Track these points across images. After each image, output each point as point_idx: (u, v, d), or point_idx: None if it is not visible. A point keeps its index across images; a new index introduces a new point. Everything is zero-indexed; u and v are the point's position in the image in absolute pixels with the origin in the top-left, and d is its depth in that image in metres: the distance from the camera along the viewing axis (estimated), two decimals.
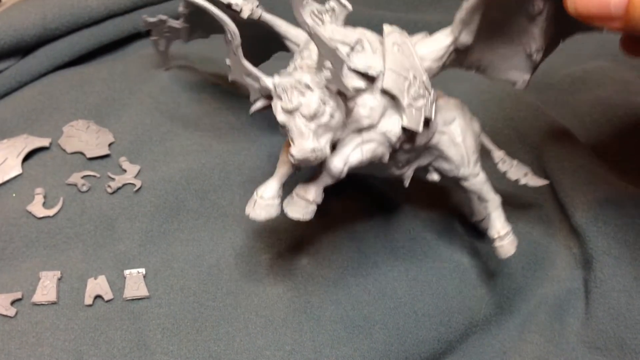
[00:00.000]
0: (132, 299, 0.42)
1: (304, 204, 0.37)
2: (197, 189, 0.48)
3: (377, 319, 0.43)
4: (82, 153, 0.50)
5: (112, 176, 0.49)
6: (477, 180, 0.42)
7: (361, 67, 0.35)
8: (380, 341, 0.42)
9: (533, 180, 0.47)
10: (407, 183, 0.43)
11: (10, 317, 0.40)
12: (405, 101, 0.36)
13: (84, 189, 0.47)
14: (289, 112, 0.34)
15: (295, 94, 0.34)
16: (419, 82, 0.37)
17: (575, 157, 0.52)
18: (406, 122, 0.37)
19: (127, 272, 0.43)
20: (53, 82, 0.58)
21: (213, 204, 0.48)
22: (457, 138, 0.41)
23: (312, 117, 0.33)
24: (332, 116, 0.34)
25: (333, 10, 0.38)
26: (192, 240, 0.45)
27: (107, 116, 0.55)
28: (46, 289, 0.42)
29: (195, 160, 0.51)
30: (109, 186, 0.47)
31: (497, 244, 0.43)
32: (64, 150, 0.51)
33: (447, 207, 0.50)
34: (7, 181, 0.48)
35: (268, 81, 0.35)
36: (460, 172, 0.42)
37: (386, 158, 0.38)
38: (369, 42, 0.37)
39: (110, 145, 0.51)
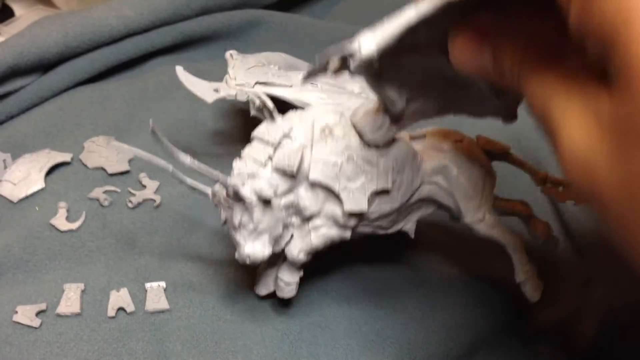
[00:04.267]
0: (153, 312, 0.43)
1: (282, 285, 0.41)
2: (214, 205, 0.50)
3: (389, 334, 0.44)
4: (103, 169, 0.52)
5: (133, 191, 0.50)
6: (483, 226, 0.40)
7: (281, 165, 0.36)
8: (393, 355, 0.43)
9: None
10: (412, 235, 0.42)
11: (35, 327, 0.42)
12: (338, 186, 0.37)
13: (106, 203, 0.49)
14: (224, 223, 0.37)
15: (225, 208, 0.37)
16: (356, 160, 0.37)
17: None
18: (347, 206, 0.37)
19: (148, 285, 0.44)
20: (73, 98, 0.59)
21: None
22: (448, 188, 0.40)
23: (239, 227, 0.36)
24: (259, 221, 0.36)
25: (264, 106, 0.40)
26: (210, 256, 0.47)
27: (126, 132, 0.57)
28: (70, 300, 0.43)
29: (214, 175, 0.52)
30: (130, 201, 0.49)
31: (522, 288, 0.41)
32: (85, 166, 0.52)
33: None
34: (31, 195, 0.50)
35: (207, 190, 0.38)
36: (462, 219, 0.41)
37: (347, 236, 0.39)
38: (302, 131, 0.37)
39: (130, 161, 0.53)
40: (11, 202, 0.49)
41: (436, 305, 0.46)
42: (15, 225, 0.48)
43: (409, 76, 0.33)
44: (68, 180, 0.51)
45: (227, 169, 0.51)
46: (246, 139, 0.56)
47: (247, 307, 0.44)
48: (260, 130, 0.38)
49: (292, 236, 0.39)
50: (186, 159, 0.34)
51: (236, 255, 0.37)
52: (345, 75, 0.44)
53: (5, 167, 0.50)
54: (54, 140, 0.55)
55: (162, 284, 0.44)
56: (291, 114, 0.39)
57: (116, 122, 0.57)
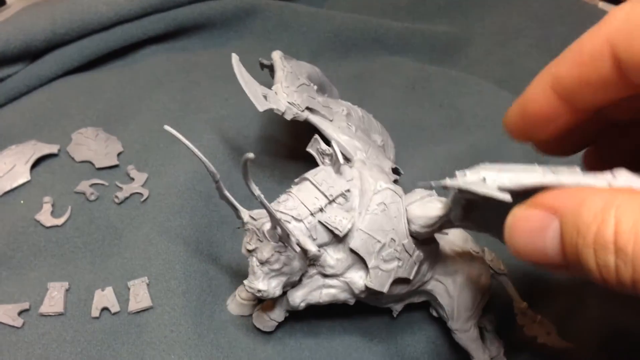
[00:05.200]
0: (137, 311, 0.42)
1: (266, 319, 0.41)
2: (201, 191, 0.49)
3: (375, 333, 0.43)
4: (90, 162, 0.50)
5: (120, 185, 0.49)
6: (465, 336, 0.41)
7: (330, 222, 0.36)
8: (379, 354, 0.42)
9: (556, 342, 0.42)
10: (395, 314, 0.42)
11: (17, 327, 0.40)
12: (371, 263, 0.37)
13: (92, 197, 0.48)
14: (248, 251, 0.36)
15: (255, 239, 0.36)
16: (397, 245, 0.37)
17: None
18: (371, 284, 0.37)
19: (130, 283, 0.43)
20: (62, 87, 0.58)
21: (215, 209, 0.48)
22: (452, 291, 0.40)
23: (264, 263, 0.36)
24: (286, 264, 0.36)
25: (332, 156, 0.39)
26: (193, 242, 0.45)
27: (115, 123, 0.55)
28: (54, 299, 0.42)
29: (201, 163, 0.50)
30: (117, 197, 0.48)
31: None
32: (73, 159, 0.51)
33: None
34: (16, 188, 0.49)
35: (244, 214, 0.37)
36: (449, 322, 0.41)
37: (350, 302, 0.40)
38: (359, 192, 0.37)
39: (119, 154, 0.51)
40: None
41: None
42: None
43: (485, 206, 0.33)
44: (54, 173, 0.50)
45: (217, 157, 0.50)
46: (237, 129, 0.55)
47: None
48: (318, 178, 0.37)
49: (299, 281, 0.38)
50: (255, 190, 0.33)
51: (247, 282, 0.37)
52: (372, 121, 0.47)
53: None
54: (40, 131, 0.53)
55: (145, 279, 0.43)
56: (353, 172, 0.39)
57: (106, 112, 0.56)
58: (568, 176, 0.28)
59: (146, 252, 0.44)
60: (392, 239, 0.37)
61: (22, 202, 0.48)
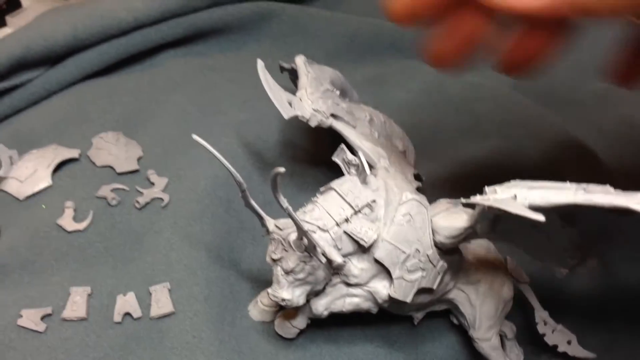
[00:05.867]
0: (159, 317, 0.42)
1: (288, 326, 0.41)
2: (221, 196, 0.49)
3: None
4: (111, 167, 0.51)
5: (141, 190, 0.49)
6: (487, 345, 0.40)
7: (355, 233, 0.36)
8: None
9: (577, 351, 0.42)
10: (416, 322, 0.43)
11: (40, 332, 0.41)
12: (396, 273, 0.37)
13: (114, 202, 0.48)
14: (273, 260, 0.37)
15: (280, 248, 0.36)
16: (422, 256, 0.37)
17: (597, 181, 0.52)
18: (395, 294, 0.37)
19: (152, 288, 0.43)
20: (81, 92, 0.58)
21: (235, 214, 0.48)
22: (474, 300, 0.40)
23: (289, 272, 0.36)
24: (311, 274, 0.36)
25: (358, 166, 0.39)
26: (214, 248, 0.46)
27: (134, 127, 0.55)
28: (76, 304, 0.42)
29: (221, 167, 0.50)
30: (137, 202, 0.48)
31: None
32: (93, 163, 0.51)
33: None
34: (37, 192, 0.49)
35: (269, 224, 0.37)
36: (470, 331, 0.41)
37: (373, 311, 0.40)
38: (384, 202, 0.37)
39: (139, 160, 0.52)
40: (17, 199, 0.48)
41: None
42: (21, 225, 0.47)
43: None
44: (75, 177, 0.50)
45: (239, 164, 0.51)
46: (256, 133, 0.55)
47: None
48: (344, 188, 0.38)
49: (323, 290, 0.39)
50: (284, 202, 0.33)
51: (271, 291, 0.37)
52: (394, 127, 0.47)
53: (12, 164, 0.49)
54: (61, 136, 0.54)
55: (167, 284, 0.43)
56: (378, 182, 0.39)
57: (125, 116, 0.56)
58: (601, 196, 0.28)
59: (167, 257, 0.44)
60: (416, 249, 0.37)
61: (43, 206, 0.48)
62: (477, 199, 0.33)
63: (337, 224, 0.36)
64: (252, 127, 0.55)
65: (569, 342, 0.42)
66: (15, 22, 0.71)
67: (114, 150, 0.52)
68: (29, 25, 0.58)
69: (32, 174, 0.49)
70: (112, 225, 0.47)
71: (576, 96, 0.65)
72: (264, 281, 0.44)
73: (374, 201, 0.37)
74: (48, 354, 0.40)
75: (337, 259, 0.35)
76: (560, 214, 0.32)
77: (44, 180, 0.49)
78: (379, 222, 0.37)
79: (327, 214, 0.37)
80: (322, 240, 0.36)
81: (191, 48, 0.65)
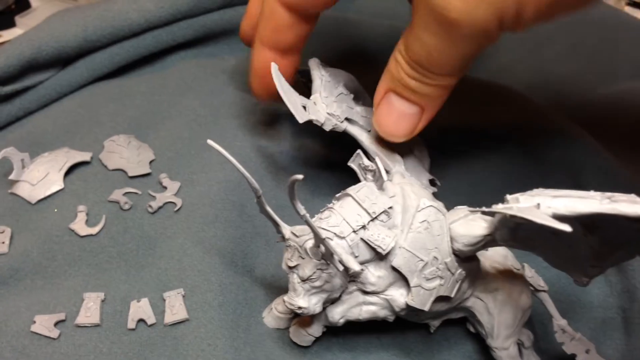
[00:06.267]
0: (173, 324, 0.41)
1: (304, 334, 0.40)
2: (234, 201, 0.48)
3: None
4: (123, 170, 0.50)
5: (153, 194, 0.49)
6: (504, 354, 0.40)
7: (372, 240, 0.36)
8: None
9: None
10: (432, 330, 0.42)
11: (53, 339, 0.40)
12: (413, 281, 0.36)
13: (126, 207, 0.48)
14: (289, 267, 0.36)
15: (296, 255, 0.36)
16: (439, 264, 0.36)
17: (614, 184, 0.52)
18: (412, 302, 0.37)
19: (166, 294, 0.42)
20: (93, 94, 0.58)
21: (249, 219, 0.48)
22: (492, 309, 0.40)
23: (305, 280, 0.35)
24: (327, 282, 0.36)
25: (375, 172, 0.38)
26: (228, 254, 0.45)
27: (146, 130, 0.55)
28: (89, 310, 0.42)
29: (234, 171, 0.49)
30: (150, 206, 0.47)
31: None
32: (105, 166, 0.51)
33: None
34: (49, 196, 0.49)
35: (285, 231, 0.36)
36: (487, 340, 0.40)
37: (390, 319, 0.39)
38: (401, 209, 0.37)
39: (151, 162, 0.51)
40: (29, 203, 0.48)
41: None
42: (33, 229, 0.46)
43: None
44: (87, 181, 0.50)
45: (249, 166, 0.50)
46: (268, 137, 0.55)
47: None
48: (360, 194, 0.37)
49: (339, 298, 0.38)
50: (301, 210, 0.33)
51: (287, 298, 0.37)
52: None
53: (24, 167, 0.49)
54: (72, 138, 0.53)
55: (181, 291, 0.43)
56: (395, 188, 0.38)
57: (136, 119, 0.56)
58: (627, 205, 0.28)
59: (181, 262, 0.44)
60: (434, 257, 0.36)
61: (55, 210, 0.48)
62: (499, 207, 0.32)
63: (354, 231, 0.36)
64: (265, 130, 0.55)
65: (587, 351, 0.41)
66: (24, 22, 0.71)
67: (125, 154, 0.51)
68: (39, 27, 0.57)
69: (43, 177, 0.49)
70: (124, 229, 0.46)
71: (588, 99, 0.65)
72: (278, 287, 0.44)
73: (390, 208, 0.37)
74: None
75: (355, 267, 0.35)
76: (582, 222, 0.31)
77: (55, 183, 0.49)
78: (396, 229, 0.37)
79: (343, 220, 0.36)
80: (339, 248, 0.35)
81: (202, 49, 0.65)
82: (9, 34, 0.71)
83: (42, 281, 0.44)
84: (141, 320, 0.42)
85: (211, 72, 0.62)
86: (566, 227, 0.28)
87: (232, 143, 0.53)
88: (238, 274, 0.44)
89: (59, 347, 0.40)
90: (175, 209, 0.48)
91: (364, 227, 0.36)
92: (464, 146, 0.58)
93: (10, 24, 0.71)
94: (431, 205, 0.37)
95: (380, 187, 0.37)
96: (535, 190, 0.32)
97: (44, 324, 0.41)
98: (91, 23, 0.57)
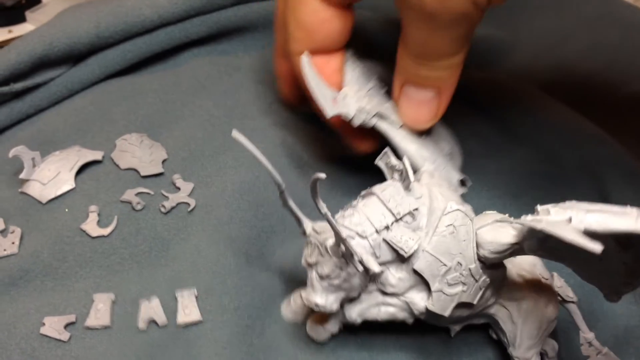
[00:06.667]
0: (185, 325, 0.40)
1: (321, 331, 0.40)
2: (249, 201, 0.47)
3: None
4: (135, 170, 0.49)
5: (166, 194, 0.48)
6: None
7: (395, 242, 0.35)
8: None
9: None
10: (452, 334, 0.41)
11: (64, 341, 0.39)
12: (435, 286, 0.35)
13: (139, 207, 0.47)
14: (308, 264, 0.35)
15: (316, 252, 0.35)
16: (463, 269, 0.35)
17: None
18: (432, 307, 0.36)
19: (178, 293, 0.41)
20: (104, 91, 0.57)
21: (265, 218, 0.47)
22: (516, 318, 0.38)
23: (324, 278, 0.35)
24: (346, 280, 0.35)
25: (402, 172, 0.37)
26: (243, 255, 0.44)
27: (159, 128, 0.54)
28: (100, 312, 0.41)
29: (248, 173, 0.49)
30: (163, 206, 0.46)
31: None
32: (117, 166, 0.50)
33: None
34: (60, 195, 0.48)
35: (307, 226, 0.35)
36: (509, 349, 0.39)
37: (409, 322, 0.38)
38: (427, 211, 0.36)
39: (163, 162, 0.50)
40: (40, 202, 0.47)
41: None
42: (44, 229, 0.45)
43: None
44: (99, 180, 0.49)
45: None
46: (281, 138, 0.53)
47: (280, 315, 0.42)
48: (386, 194, 0.36)
49: (358, 297, 0.37)
50: (323, 208, 0.32)
51: (304, 295, 0.36)
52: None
53: (34, 166, 0.48)
54: (84, 137, 0.53)
55: (194, 290, 0.42)
56: (422, 189, 0.37)
57: (149, 118, 0.55)
58: None
59: (195, 264, 0.43)
60: (458, 262, 0.35)
61: (66, 210, 0.47)
62: (528, 219, 0.31)
63: (377, 231, 0.35)
64: (280, 131, 0.54)
65: None
66: (35, 17, 0.70)
67: (137, 153, 0.50)
68: (51, 22, 0.56)
69: (54, 176, 0.48)
70: (137, 230, 0.45)
71: (613, 99, 0.63)
72: (293, 288, 0.43)
73: (416, 209, 0.35)
74: None
75: (375, 268, 0.34)
76: (616, 238, 0.30)
77: (67, 183, 0.48)
78: (420, 232, 0.35)
79: (367, 220, 0.35)
80: (360, 248, 0.34)
81: (215, 47, 0.64)
82: (19, 30, 0.70)
83: (52, 282, 0.43)
84: (152, 321, 0.41)
85: (224, 70, 0.61)
86: (597, 247, 0.26)
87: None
88: (253, 275, 0.43)
89: (69, 350, 0.39)
90: (189, 209, 0.47)
91: (387, 227, 0.35)
92: (479, 146, 0.57)
93: (21, 19, 0.70)
94: (458, 209, 0.36)
95: (407, 188, 0.36)
96: (568, 203, 0.30)
97: (53, 326, 0.40)
98: (103, 19, 0.56)
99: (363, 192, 0.37)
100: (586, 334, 0.40)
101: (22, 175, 0.47)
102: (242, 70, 0.61)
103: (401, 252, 0.35)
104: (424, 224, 0.36)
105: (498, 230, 0.35)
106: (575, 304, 0.41)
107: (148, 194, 0.48)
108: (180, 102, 0.57)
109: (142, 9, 0.58)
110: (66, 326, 0.40)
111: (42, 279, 0.43)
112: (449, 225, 0.35)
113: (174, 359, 0.39)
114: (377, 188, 0.36)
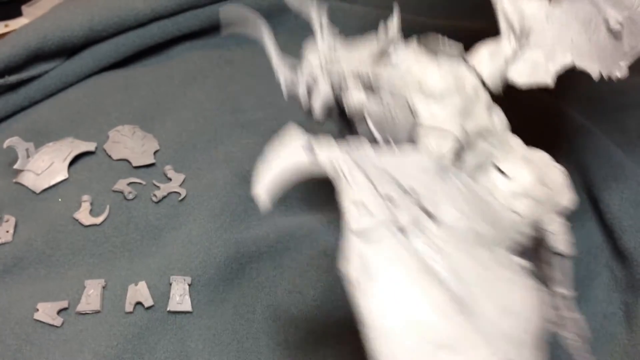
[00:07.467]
0: (177, 312, 0.41)
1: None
2: (240, 195, 0.48)
3: None
4: (127, 161, 0.50)
5: (157, 184, 0.49)
6: None
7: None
8: None
9: None
10: None
11: (57, 327, 0.40)
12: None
13: (130, 196, 0.48)
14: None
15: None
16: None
17: (623, 178, 0.51)
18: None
19: (173, 278, 0.42)
20: (98, 84, 0.58)
21: (255, 213, 0.48)
22: None
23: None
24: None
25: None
26: (233, 245, 0.45)
27: (151, 120, 0.55)
28: (90, 297, 0.42)
29: (239, 166, 0.50)
30: (155, 195, 0.48)
31: None
32: (110, 156, 0.51)
33: None
34: (54, 185, 0.49)
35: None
36: None
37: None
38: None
39: (155, 153, 0.51)
40: (34, 192, 0.48)
41: None
42: (37, 218, 0.46)
43: None
44: (92, 171, 0.50)
45: (254, 160, 0.50)
46: (273, 131, 0.54)
47: (270, 305, 0.43)
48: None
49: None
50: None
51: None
52: None
53: (28, 156, 0.49)
54: (77, 128, 0.54)
55: (188, 279, 0.43)
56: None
57: (141, 110, 0.56)
58: None
59: (185, 253, 0.44)
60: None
61: (60, 199, 0.48)
62: None
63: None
64: (271, 125, 0.55)
65: None
66: (31, 11, 0.71)
67: (130, 144, 0.51)
68: (45, 16, 0.57)
69: (48, 167, 0.49)
70: (128, 219, 0.46)
71: (598, 93, 0.64)
72: (282, 281, 0.44)
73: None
74: (62, 346, 0.40)
75: None
76: None
77: (60, 173, 0.49)
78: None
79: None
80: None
81: (208, 40, 0.65)
82: (15, 23, 0.71)
83: (45, 270, 0.44)
84: (139, 304, 0.41)
85: (217, 64, 0.62)
86: None
87: (239, 141, 0.53)
88: (243, 266, 0.44)
89: (62, 334, 0.40)
90: (180, 198, 0.48)
91: None
92: None
93: (17, 13, 0.71)
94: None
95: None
96: None
97: (47, 312, 0.41)
98: (97, 13, 0.57)
99: None
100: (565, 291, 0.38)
101: (16, 166, 0.48)
102: (234, 63, 0.62)
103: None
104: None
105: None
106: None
107: (140, 184, 0.49)
108: (173, 95, 0.58)
109: (135, 3, 0.59)
110: (59, 312, 0.41)
111: (36, 267, 0.44)
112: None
113: (161, 341, 0.40)
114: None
